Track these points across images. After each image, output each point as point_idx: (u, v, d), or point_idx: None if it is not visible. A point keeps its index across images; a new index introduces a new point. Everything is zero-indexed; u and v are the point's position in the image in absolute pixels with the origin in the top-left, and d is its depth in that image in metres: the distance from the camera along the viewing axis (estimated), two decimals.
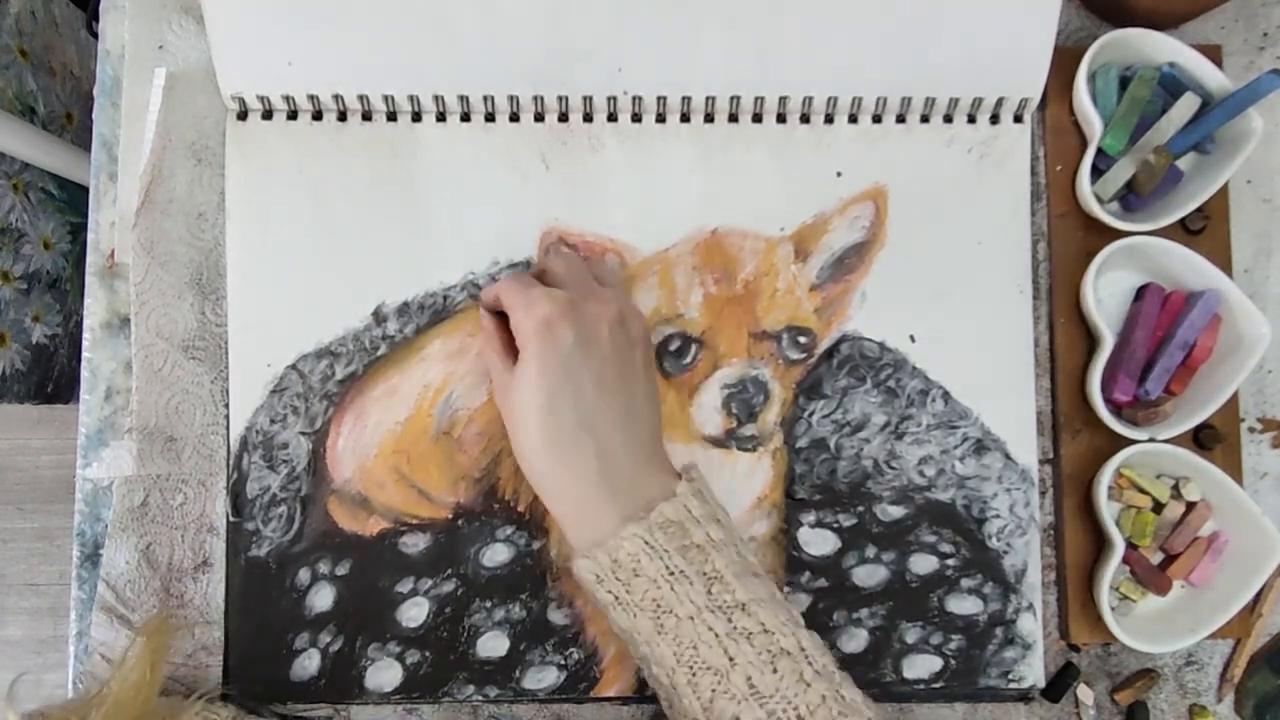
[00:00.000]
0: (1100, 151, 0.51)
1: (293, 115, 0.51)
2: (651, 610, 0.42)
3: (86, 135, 0.55)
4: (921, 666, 0.51)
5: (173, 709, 0.46)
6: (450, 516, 0.50)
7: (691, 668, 0.41)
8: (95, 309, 0.52)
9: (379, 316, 0.51)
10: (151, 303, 0.50)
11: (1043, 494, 0.52)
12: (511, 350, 0.46)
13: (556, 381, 0.43)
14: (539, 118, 0.52)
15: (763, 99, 0.51)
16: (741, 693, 0.40)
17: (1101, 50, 0.50)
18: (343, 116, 0.51)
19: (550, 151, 0.52)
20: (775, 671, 0.40)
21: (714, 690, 0.40)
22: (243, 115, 0.51)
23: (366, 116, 0.51)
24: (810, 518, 0.51)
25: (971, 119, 0.52)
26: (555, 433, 0.43)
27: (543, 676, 0.50)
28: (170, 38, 0.52)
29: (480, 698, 0.50)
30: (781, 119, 0.52)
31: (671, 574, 0.41)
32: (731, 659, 0.40)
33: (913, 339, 0.52)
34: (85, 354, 0.52)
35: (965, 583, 0.51)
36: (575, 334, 0.44)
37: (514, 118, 0.52)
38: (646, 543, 0.41)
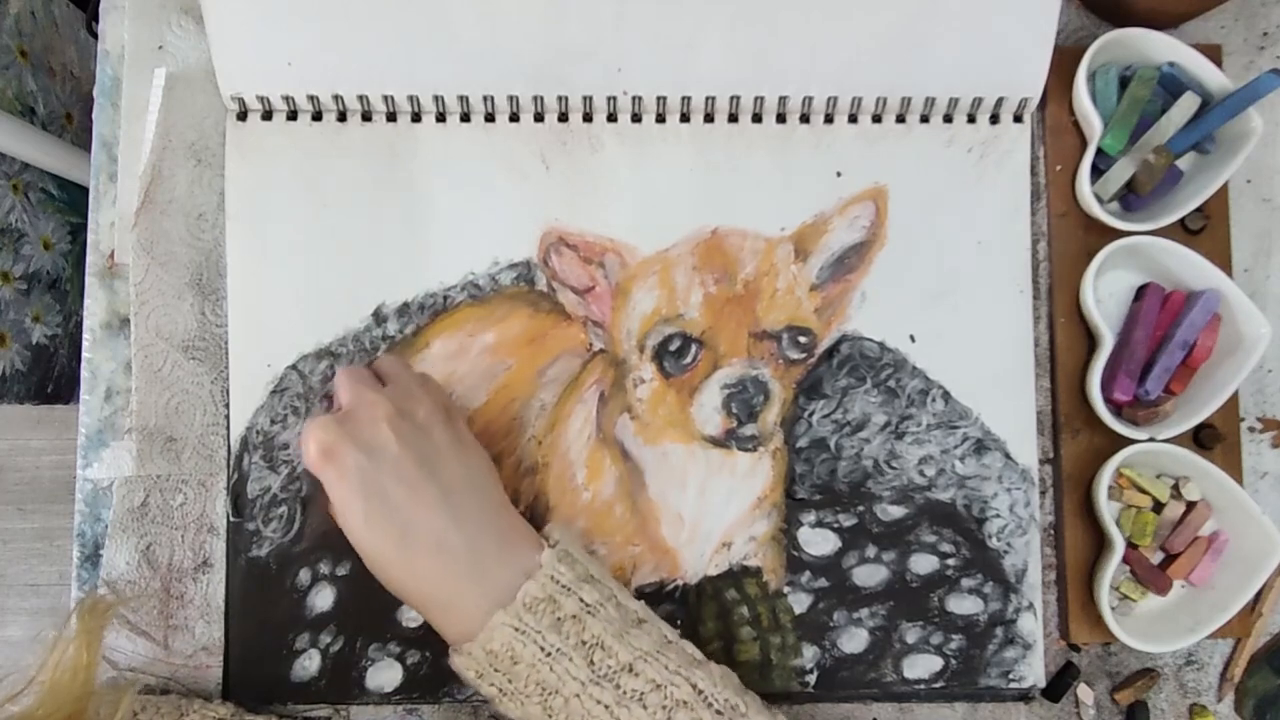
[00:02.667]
0: (1100, 151, 0.51)
1: (293, 116, 0.51)
2: (538, 695, 0.40)
3: (86, 135, 0.55)
4: (922, 666, 0.51)
5: (172, 707, 0.47)
6: None
7: None
8: (95, 309, 0.52)
9: (379, 317, 0.51)
10: (151, 303, 0.50)
11: (1043, 494, 0.52)
12: None
13: (360, 503, 0.42)
14: (539, 118, 0.52)
15: (763, 99, 0.51)
16: None
17: (1101, 50, 0.50)
18: (343, 117, 0.51)
19: (550, 151, 0.52)
20: None
21: None
22: (243, 115, 0.51)
23: (366, 117, 0.51)
24: (810, 518, 0.51)
25: (971, 119, 0.52)
26: (384, 545, 0.42)
27: None
28: (170, 38, 0.52)
29: (481, 698, 0.50)
30: (781, 119, 0.52)
31: (549, 654, 0.40)
32: None
33: (913, 339, 0.52)
34: (85, 354, 0.52)
35: (965, 582, 0.51)
36: (354, 447, 0.42)
37: (514, 118, 0.52)
38: (517, 629, 0.40)
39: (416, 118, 0.51)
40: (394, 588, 0.44)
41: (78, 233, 0.99)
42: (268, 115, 0.51)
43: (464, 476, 0.44)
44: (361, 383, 0.45)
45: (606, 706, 0.40)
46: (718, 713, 0.40)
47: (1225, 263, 0.52)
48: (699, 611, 0.51)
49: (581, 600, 0.41)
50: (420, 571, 0.42)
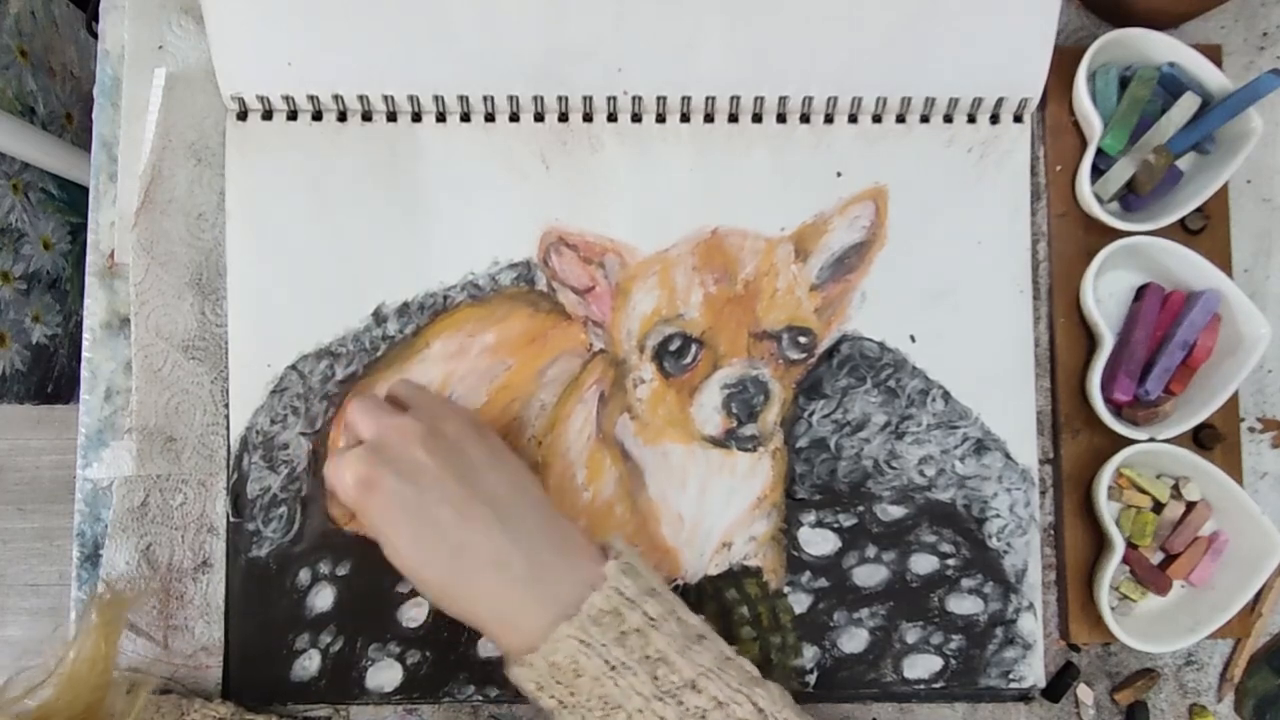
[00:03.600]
0: (1100, 151, 0.51)
1: (293, 115, 0.51)
2: (600, 710, 0.40)
3: (86, 135, 0.55)
4: (922, 666, 0.51)
5: (172, 706, 0.47)
6: None
7: None
8: (95, 309, 0.52)
9: (379, 317, 0.51)
10: (151, 303, 0.50)
11: (1043, 494, 0.52)
12: None
13: (408, 524, 0.41)
14: (539, 118, 0.52)
15: (763, 99, 0.51)
16: None
17: (1101, 50, 0.50)
18: (343, 116, 0.51)
19: (550, 151, 0.52)
20: None
21: None
22: (243, 115, 0.51)
23: (366, 116, 0.51)
24: (810, 518, 0.51)
25: (971, 119, 0.52)
26: (438, 569, 0.41)
27: None
28: (170, 38, 0.52)
29: (480, 698, 0.50)
30: (781, 119, 0.52)
31: (613, 668, 0.39)
32: None
33: (913, 339, 0.52)
34: (85, 354, 0.52)
35: (965, 583, 0.51)
36: (394, 474, 0.41)
37: (514, 118, 0.52)
38: (582, 641, 0.39)
39: (416, 118, 0.51)
40: (450, 608, 0.43)
41: (78, 233, 0.99)
42: (268, 115, 0.51)
43: (508, 488, 0.43)
44: (382, 410, 0.44)
45: None
46: None
47: (1225, 263, 0.52)
48: (699, 611, 0.50)
49: (645, 614, 0.40)
50: (478, 590, 0.41)
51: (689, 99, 0.51)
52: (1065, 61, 0.51)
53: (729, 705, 0.39)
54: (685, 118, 0.52)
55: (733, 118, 0.52)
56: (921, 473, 0.51)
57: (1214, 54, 0.52)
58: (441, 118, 0.51)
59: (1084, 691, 0.52)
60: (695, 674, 0.40)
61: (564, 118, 0.52)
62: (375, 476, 0.41)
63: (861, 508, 0.51)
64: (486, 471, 0.43)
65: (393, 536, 0.42)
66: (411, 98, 0.51)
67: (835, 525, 0.51)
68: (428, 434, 0.42)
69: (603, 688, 0.39)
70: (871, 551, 0.51)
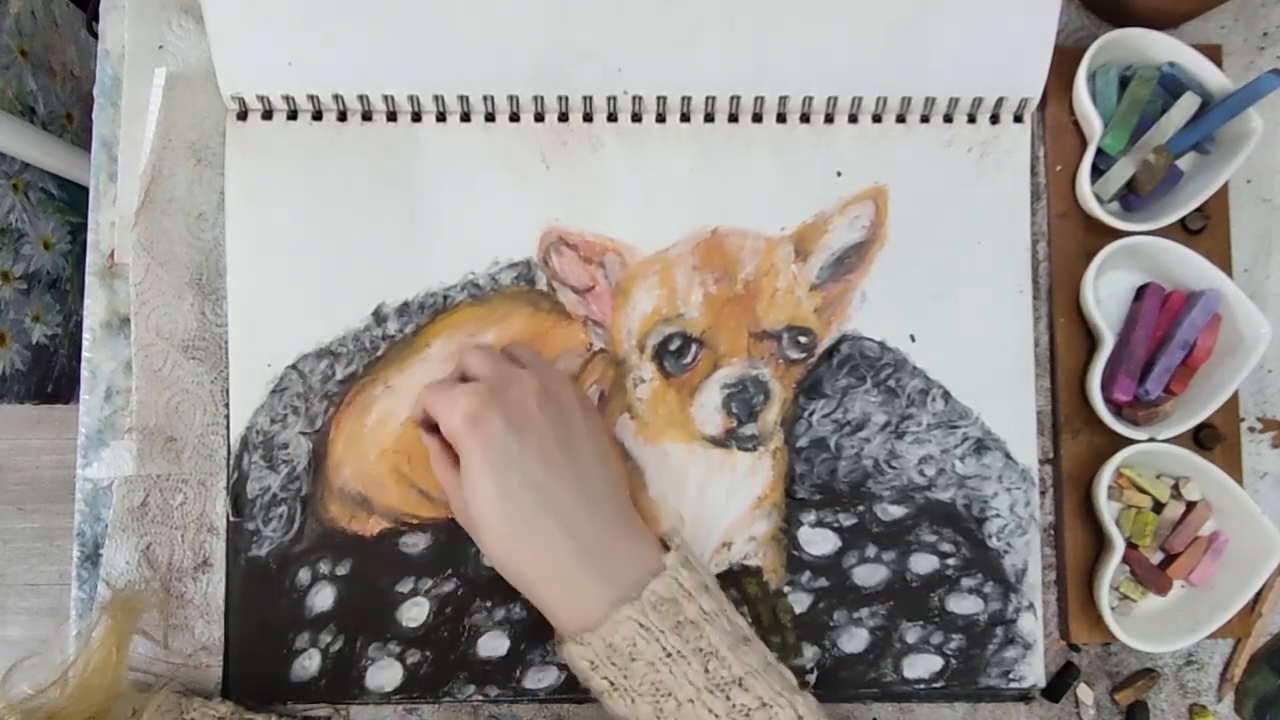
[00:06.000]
0: (1100, 151, 0.51)
1: (293, 115, 0.51)
2: (650, 695, 0.40)
3: (86, 135, 0.55)
4: (922, 666, 0.51)
5: (172, 706, 0.47)
6: (450, 516, 0.50)
7: None
8: (95, 309, 0.52)
9: (379, 316, 0.51)
10: (151, 303, 0.50)
11: (1043, 494, 0.52)
12: (458, 460, 0.44)
13: (501, 471, 0.41)
14: (539, 118, 0.52)
15: (763, 99, 0.51)
16: None
17: (1101, 50, 0.50)
18: (343, 116, 0.51)
19: (550, 151, 0.52)
20: None
21: None
22: (243, 115, 0.51)
23: (366, 116, 0.51)
24: (810, 517, 0.51)
25: (971, 119, 0.52)
26: (515, 522, 0.42)
27: (543, 676, 0.50)
28: (170, 38, 0.52)
29: (480, 698, 0.50)
30: (781, 119, 0.52)
31: (669, 655, 0.40)
32: None
33: (913, 339, 0.52)
34: (85, 354, 0.52)
35: (965, 582, 0.51)
36: (504, 419, 0.42)
37: (514, 118, 0.52)
38: (641, 625, 0.40)
39: (416, 118, 0.51)
40: (511, 568, 0.43)
41: (78, 233, 0.99)
42: (268, 115, 0.51)
43: (599, 464, 0.45)
44: (502, 361, 0.45)
45: (717, 716, 0.39)
46: None
47: (1225, 263, 0.52)
48: None
49: (701, 608, 0.41)
50: (546, 554, 0.42)
51: (689, 99, 0.51)
52: (1065, 61, 0.51)
53: (772, 707, 0.40)
54: (685, 118, 0.52)
55: (733, 118, 0.52)
56: (921, 472, 0.51)
57: (1214, 54, 0.52)
58: (441, 118, 0.51)
59: (1084, 691, 0.52)
60: (743, 672, 0.40)
61: (564, 118, 0.52)
62: (486, 416, 0.42)
63: (861, 507, 0.51)
64: (585, 443, 0.44)
65: (481, 479, 0.42)
66: (411, 98, 0.51)
67: (835, 525, 0.51)
68: (543, 391, 0.44)
69: (656, 673, 0.40)
70: (871, 551, 0.51)
